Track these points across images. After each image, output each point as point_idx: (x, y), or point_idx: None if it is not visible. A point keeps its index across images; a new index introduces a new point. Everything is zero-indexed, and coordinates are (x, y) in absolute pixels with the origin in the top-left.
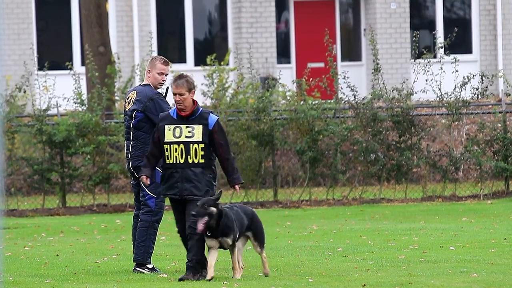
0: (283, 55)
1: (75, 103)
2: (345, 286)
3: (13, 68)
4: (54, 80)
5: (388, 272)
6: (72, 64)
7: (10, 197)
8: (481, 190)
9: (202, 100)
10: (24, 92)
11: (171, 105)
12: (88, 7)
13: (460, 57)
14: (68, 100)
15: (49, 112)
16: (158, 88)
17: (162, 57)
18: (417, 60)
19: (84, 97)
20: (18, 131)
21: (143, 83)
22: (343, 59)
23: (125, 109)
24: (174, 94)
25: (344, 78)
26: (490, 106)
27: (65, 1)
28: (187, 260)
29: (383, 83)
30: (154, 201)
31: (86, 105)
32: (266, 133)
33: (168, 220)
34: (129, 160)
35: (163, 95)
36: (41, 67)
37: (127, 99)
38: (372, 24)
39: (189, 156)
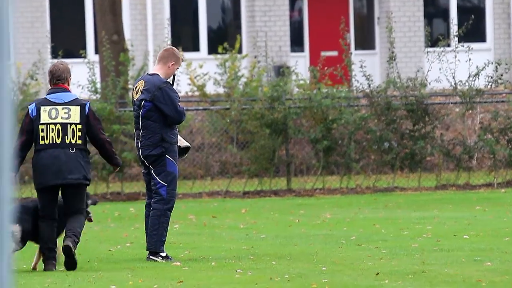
0: (296, 43)
1: (89, 91)
2: (359, 274)
3: (26, 56)
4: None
5: (401, 260)
6: (85, 52)
7: (24, 185)
8: (495, 179)
9: (214, 88)
10: (36, 80)
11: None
12: None
13: (474, 45)
14: (82, 88)
15: None
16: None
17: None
18: (431, 49)
19: (98, 85)
20: None
21: (151, 72)
22: (356, 48)
23: (133, 99)
24: None
25: (361, 67)
26: (504, 94)
27: None
28: None
29: (398, 72)
30: (165, 189)
31: (100, 94)
32: (280, 121)
33: (181, 208)
34: (139, 149)
35: (171, 83)
36: (55, 55)
37: (135, 88)
38: (386, 12)
39: None
